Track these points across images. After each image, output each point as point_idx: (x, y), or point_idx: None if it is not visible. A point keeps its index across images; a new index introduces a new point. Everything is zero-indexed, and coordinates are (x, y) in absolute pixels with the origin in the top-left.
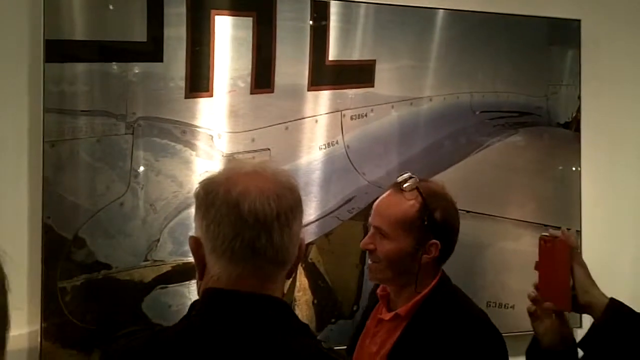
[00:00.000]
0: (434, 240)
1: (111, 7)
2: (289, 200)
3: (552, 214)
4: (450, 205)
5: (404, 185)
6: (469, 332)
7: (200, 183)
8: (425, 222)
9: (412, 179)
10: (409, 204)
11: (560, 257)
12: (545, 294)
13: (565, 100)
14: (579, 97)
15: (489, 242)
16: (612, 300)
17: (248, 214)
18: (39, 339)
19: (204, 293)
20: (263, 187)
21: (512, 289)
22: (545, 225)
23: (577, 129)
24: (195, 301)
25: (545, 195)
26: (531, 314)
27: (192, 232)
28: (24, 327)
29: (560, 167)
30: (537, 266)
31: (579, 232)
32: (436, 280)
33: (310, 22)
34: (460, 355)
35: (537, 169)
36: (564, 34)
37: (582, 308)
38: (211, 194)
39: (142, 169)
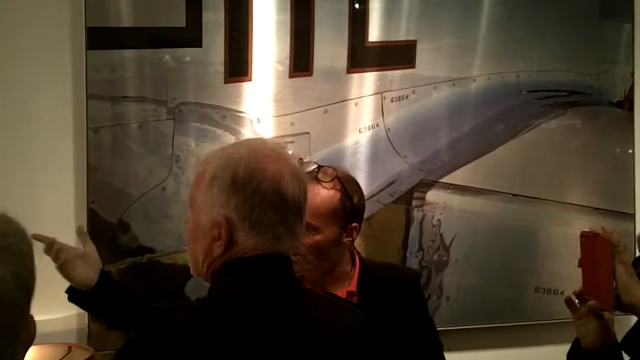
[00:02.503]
0: (355, 224)
1: None
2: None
3: (603, 197)
4: (360, 189)
5: (320, 175)
6: (413, 278)
7: (230, 165)
8: (349, 209)
9: (324, 167)
10: (331, 193)
11: (601, 255)
12: (589, 292)
13: (617, 78)
14: (633, 75)
15: (536, 226)
16: None
17: (292, 202)
18: (86, 321)
19: (238, 261)
20: (295, 173)
21: (562, 275)
22: (596, 209)
23: (631, 108)
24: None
25: (596, 177)
26: (573, 312)
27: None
28: (72, 308)
29: (613, 149)
30: (580, 263)
31: (632, 216)
32: (357, 256)
33: (356, 5)
34: (418, 297)
35: (588, 150)
36: (616, 8)
37: (625, 308)
38: (255, 180)
39: (183, 154)
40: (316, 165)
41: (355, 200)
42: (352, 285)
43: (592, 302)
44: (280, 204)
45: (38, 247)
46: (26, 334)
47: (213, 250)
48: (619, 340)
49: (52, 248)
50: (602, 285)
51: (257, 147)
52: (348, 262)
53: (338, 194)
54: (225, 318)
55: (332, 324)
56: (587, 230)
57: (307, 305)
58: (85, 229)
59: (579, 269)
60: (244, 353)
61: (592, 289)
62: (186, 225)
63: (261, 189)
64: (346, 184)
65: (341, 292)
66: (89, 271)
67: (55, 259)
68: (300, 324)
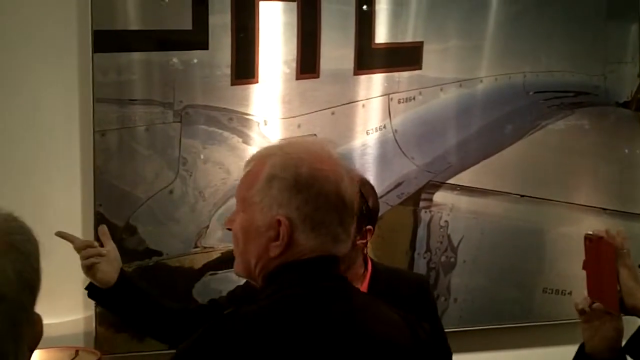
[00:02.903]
0: (369, 226)
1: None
2: None
3: (611, 197)
4: (375, 192)
5: None
6: (423, 283)
7: (291, 165)
8: (364, 212)
9: None
10: None
11: (605, 258)
12: (594, 295)
13: (624, 78)
14: (639, 75)
15: (544, 227)
16: None
17: (349, 204)
18: (94, 324)
19: (298, 263)
20: (350, 175)
21: (570, 275)
22: (604, 210)
23: (638, 109)
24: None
25: (604, 178)
26: (581, 315)
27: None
28: (79, 312)
29: (620, 149)
30: (585, 265)
31: (639, 216)
32: (369, 259)
33: (363, 7)
34: (429, 302)
35: (595, 151)
36: (622, 9)
37: (629, 311)
38: (318, 182)
39: (190, 156)
40: None
41: (370, 203)
42: (364, 288)
43: (597, 304)
44: (340, 206)
45: (44, 248)
46: (31, 332)
47: (269, 251)
48: (623, 344)
49: (90, 249)
50: (606, 289)
51: (313, 148)
52: (360, 265)
53: None
54: (291, 322)
55: (388, 327)
56: (591, 233)
57: (364, 308)
58: (106, 229)
59: (584, 271)
60: (312, 357)
61: (596, 292)
62: (233, 225)
63: (324, 190)
64: (362, 187)
65: None
66: (110, 270)
67: (84, 258)
68: (361, 327)
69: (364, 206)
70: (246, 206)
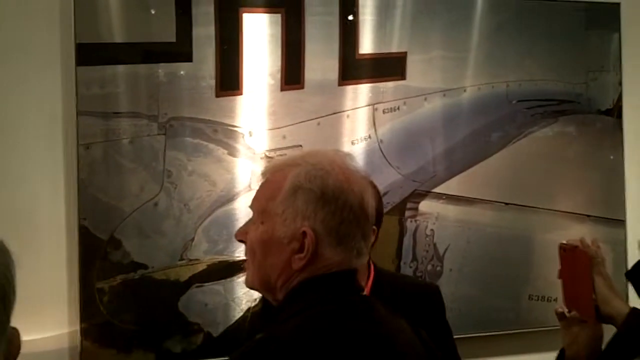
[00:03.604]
0: (373, 227)
1: (153, 11)
2: None
3: (595, 204)
4: (379, 193)
5: None
6: (432, 291)
7: (318, 177)
8: None
9: None
10: None
11: (580, 267)
12: (569, 304)
13: (606, 86)
14: (620, 83)
15: (529, 234)
16: (632, 310)
17: (370, 216)
18: (79, 339)
19: (327, 277)
20: (371, 186)
21: (555, 282)
22: (588, 216)
23: (619, 116)
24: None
25: (587, 185)
26: (561, 321)
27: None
28: (64, 327)
29: (603, 156)
30: (560, 274)
31: (623, 222)
32: (372, 265)
33: (349, 17)
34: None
35: (578, 158)
36: (603, 19)
37: (604, 319)
38: (344, 194)
39: (175, 169)
40: None
41: (375, 204)
42: (367, 290)
43: (573, 313)
44: (363, 218)
45: (28, 262)
46: (5, 344)
47: (292, 264)
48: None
49: None
50: (582, 297)
51: (335, 159)
52: (365, 270)
53: None
54: (331, 340)
55: (404, 335)
56: (565, 242)
57: (386, 319)
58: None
59: (559, 280)
60: None
61: (572, 300)
62: (247, 237)
63: (349, 202)
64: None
65: None
66: None
67: None
68: (387, 339)
69: None
70: (266, 217)
